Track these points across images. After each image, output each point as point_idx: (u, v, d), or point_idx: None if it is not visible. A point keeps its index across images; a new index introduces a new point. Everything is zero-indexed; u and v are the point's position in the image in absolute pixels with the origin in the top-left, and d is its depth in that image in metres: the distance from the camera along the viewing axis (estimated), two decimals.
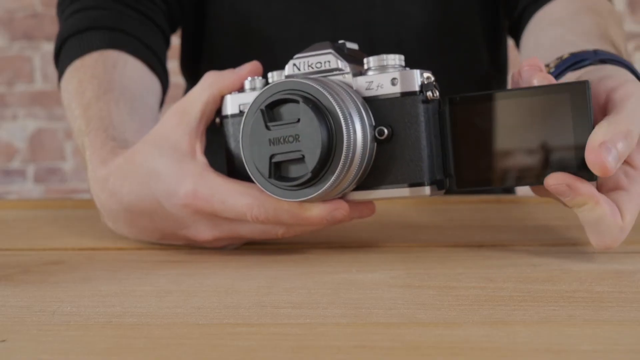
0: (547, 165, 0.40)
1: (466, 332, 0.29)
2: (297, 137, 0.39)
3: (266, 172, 0.40)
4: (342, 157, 0.39)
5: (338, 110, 0.39)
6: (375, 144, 0.41)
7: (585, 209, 0.39)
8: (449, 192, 0.43)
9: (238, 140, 0.45)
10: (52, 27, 2.04)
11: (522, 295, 0.35)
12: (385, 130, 0.41)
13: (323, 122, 0.39)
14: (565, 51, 0.50)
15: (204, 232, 0.46)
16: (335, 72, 0.42)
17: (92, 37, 0.62)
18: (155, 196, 0.45)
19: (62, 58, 0.63)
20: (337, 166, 0.39)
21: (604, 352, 0.27)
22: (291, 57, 0.44)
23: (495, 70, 0.84)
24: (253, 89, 0.45)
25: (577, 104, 0.40)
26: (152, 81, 0.64)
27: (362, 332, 0.30)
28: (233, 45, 0.77)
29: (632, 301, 0.33)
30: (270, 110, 0.40)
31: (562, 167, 0.40)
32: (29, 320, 0.32)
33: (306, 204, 0.42)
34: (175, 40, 0.80)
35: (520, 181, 0.42)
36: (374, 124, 0.41)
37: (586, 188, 0.39)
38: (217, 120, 0.47)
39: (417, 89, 0.41)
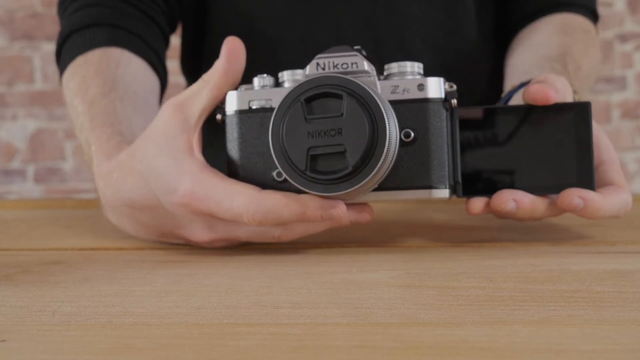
0: (549, 178, 0.44)
1: (466, 332, 0.29)
2: (339, 130, 0.39)
3: (302, 164, 0.40)
4: (384, 153, 0.39)
5: (381, 107, 0.39)
6: (399, 146, 0.42)
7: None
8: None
9: (245, 137, 0.45)
10: (52, 27, 2.04)
11: (522, 295, 0.35)
12: (412, 133, 0.42)
13: (368, 117, 0.39)
14: (520, 79, 0.58)
15: (200, 233, 0.45)
16: (361, 74, 0.42)
17: (95, 34, 0.62)
18: (155, 193, 0.45)
19: (64, 55, 0.63)
20: (378, 162, 0.39)
21: (604, 352, 0.27)
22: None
23: (495, 72, 0.83)
24: (263, 86, 0.45)
25: (579, 122, 0.43)
26: (153, 80, 0.64)
27: (362, 332, 0.29)
28: None
29: (632, 301, 0.33)
30: (308, 103, 0.40)
31: (563, 181, 0.43)
32: (29, 320, 0.32)
33: (306, 197, 0.41)
34: (175, 40, 0.80)
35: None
36: (399, 126, 0.42)
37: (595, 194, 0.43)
38: (219, 116, 0.46)
39: (442, 95, 0.43)
